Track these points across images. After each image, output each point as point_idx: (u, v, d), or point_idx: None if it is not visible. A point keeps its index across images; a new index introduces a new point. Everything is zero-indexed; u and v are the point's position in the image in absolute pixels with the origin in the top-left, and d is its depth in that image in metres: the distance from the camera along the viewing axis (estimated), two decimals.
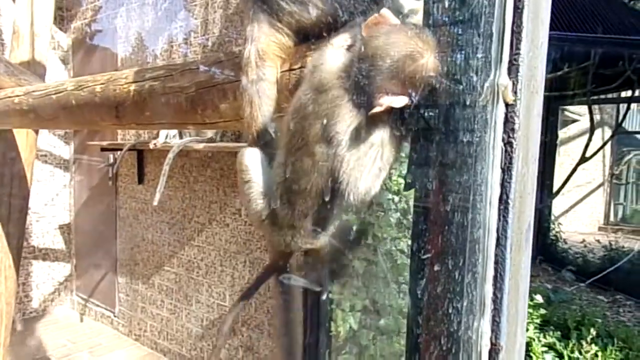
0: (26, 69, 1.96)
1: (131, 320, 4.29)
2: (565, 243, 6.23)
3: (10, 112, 1.46)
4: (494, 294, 0.46)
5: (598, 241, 6.03)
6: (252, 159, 0.83)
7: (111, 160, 4.32)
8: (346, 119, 0.64)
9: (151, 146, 3.44)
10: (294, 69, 0.76)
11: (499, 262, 0.46)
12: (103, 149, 4.08)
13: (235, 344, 3.34)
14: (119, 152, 3.94)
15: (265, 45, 0.76)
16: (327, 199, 0.69)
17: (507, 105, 0.46)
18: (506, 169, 0.46)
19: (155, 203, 3.19)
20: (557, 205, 7.06)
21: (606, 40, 4.21)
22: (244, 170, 0.83)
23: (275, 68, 0.79)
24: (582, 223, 8.26)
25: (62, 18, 4.90)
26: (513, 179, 0.46)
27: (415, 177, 0.51)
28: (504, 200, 0.47)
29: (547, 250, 5.72)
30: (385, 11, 0.63)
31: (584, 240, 6.23)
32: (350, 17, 0.70)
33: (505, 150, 0.46)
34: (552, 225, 6.21)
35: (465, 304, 0.46)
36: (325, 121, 0.65)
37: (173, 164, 3.34)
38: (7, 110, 1.48)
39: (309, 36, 0.76)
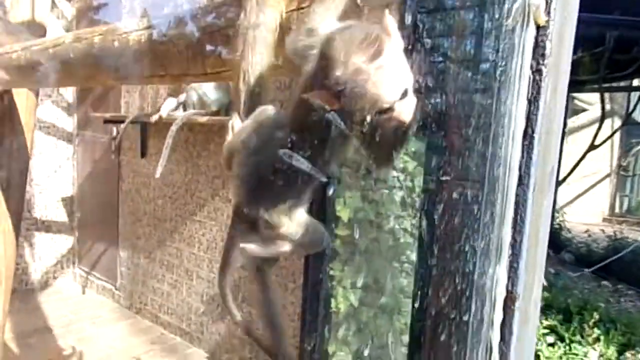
0: (26, 29, 1.91)
1: (132, 293, 4.30)
2: (569, 232, 6.20)
3: (9, 69, 1.42)
4: (513, 237, 0.42)
5: (602, 231, 5.99)
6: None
7: (114, 133, 4.28)
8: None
9: (153, 120, 3.39)
10: (302, 8, 0.71)
11: (520, 204, 0.42)
12: (106, 121, 4.04)
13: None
14: (122, 125, 3.90)
15: None
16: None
17: (538, 27, 0.42)
18: (533, 100, 0.42)
19: (157, 176, 3.16)
20: (563, 194, 7.00)
21: (622, 23, 4.08)
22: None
23: (278, 10, 0.74)
24: (586, 213, 8.20)
25: None
26: (540, 112, 0.42)
27: (435, 96, 0.46)
28: (528, 135, 0.42)
29: (550, 238, 5.69)
30: (390, 22, 0.54)
31: (587, 230, 6.20)
32: None
33: (534, 79, 0.42)
34: (556, 214, 6.16)
35: (482, 245, 0.42)
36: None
37: (176, 138, 3.30)
38: (5, 67, 1.44)
39: None
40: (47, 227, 4.95)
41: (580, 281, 4.37)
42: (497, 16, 0.42)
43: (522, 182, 0.43)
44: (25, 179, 2.12)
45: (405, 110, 0.53)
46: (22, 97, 1.94)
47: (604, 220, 8.90)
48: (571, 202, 8.32)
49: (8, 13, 2.02)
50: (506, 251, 0.43)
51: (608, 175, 9.35)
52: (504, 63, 0.42)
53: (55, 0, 4.44)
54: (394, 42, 0.54)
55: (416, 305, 0.48)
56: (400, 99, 0.52)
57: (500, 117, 0.42)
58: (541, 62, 0.42)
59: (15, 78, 1.50)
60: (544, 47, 0.42)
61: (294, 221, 0.78)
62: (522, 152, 0.43)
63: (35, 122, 2.19)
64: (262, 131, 0.74)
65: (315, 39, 0.64)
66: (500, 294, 0.43)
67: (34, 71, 1.29)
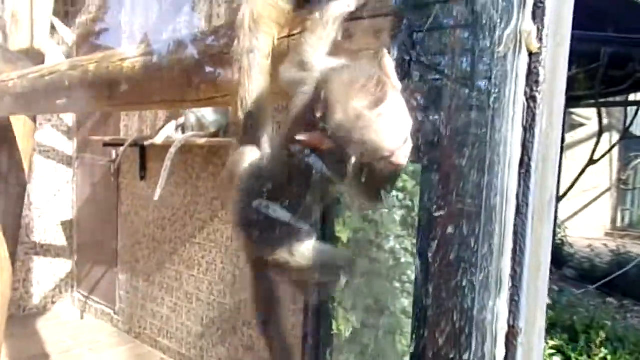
0: (24, 56, 1.93)
1: (131, 317, 4.24)
2: (572, 247, 6.14)
3: (6, 97, 1.42)
4: (513, 269, 0.41)
5: (605, 245, 5.95)
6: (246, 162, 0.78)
7: (113, 156, 4.28)
8: None
9: (146, 144, 3.39)
10: (294, 35, 0.71)
11: (519, 234, 0.41)
12: (105, 144, 4.05)
13: (236, 343, 3.29)
14: (121, 148, 3.90)
15: (261, 7, 0.70)
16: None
17: (530, 54, 0.41)
18: (529, 127, 0.41)
19: (156, 198, 3.14)
20: (563, 209, 6.97)
21: (617, 40, 4.13)
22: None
23: (271, 36, 0.74)
24: (588, 228, 8.15)
25: (66, 13, 4.88)
26: (536, 139, 0.41)
27: (427, 128, 0.45)
28: (525, 163, 0.41)
29: (552, 254, 5.64)
30: (388, 63, 0.54)
31: (590, 245, 6.15)
32: None
33: (528, 106, 0.41)
34: (557, 229, 6.12)
35: (480, 278, 0.40)
36: None
37: (175, 160, 3.29)
38: (2, 95, 1.44)
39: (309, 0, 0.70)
40: (45, 251, 4.92)
41: (584, 298, 4.30)
42: (488, 44, 0.41)
43: (520, 211, 0.41)
44: (22, 205, 2.10)
45: (403, 155, 0.51)
46: (19, 122, 1.95)
47: (606, 234, 8.85)
48: (572, 216, 8.28)
49: (8, 40, 2.04)
50: (506, 284, 0.41)
51: (608, 190, 9.32)
52: (497, 90, 0.41)
53: (55, 27, 4.49)
54: (394, 86, 0.52)
55: (413, 344, 0.46)
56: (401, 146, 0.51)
57: (496, 145, 0.41)
58: (535, 88, 0.41)
59: (12, 106, 1.50)
60: (537, 74, 0.41)
61: (298, 255, 0.75)
62: (519, 181, 0.42)
63: (35, 147, 2.19)
64: (244, 180, 0.74)
65: (308, 74, 0.63)
66: (502, 329, 0.41)
67: (31, 99, 1.29)
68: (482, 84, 0.41)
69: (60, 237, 4.95)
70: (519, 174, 0.42)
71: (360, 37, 0.57)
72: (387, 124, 0.50)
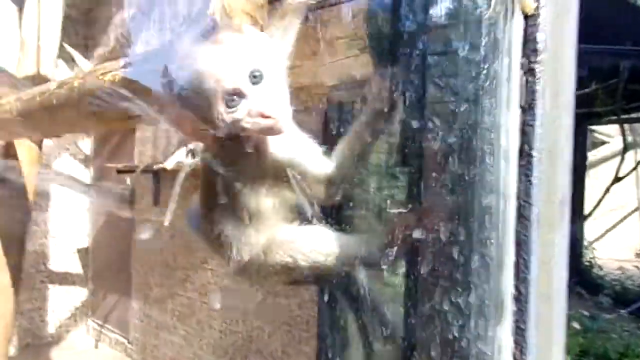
0: (30, 82, 1.93)
1: (145, 347, 4.16)
2: (601, 269, 5.86)
3: (3, 121, 1.40)
4: (516, 288, 0.32)
5: (637, 267, 5.65)
6: None
7: (128, 183, 4.30)
8: None
9: (155, 168, 3.38)
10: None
11: (522, 243, 0.32)
12: (119, 171, 4.07)
13: None
14: (134, 174, 3.91)
15: None
16: None
17: (526, 17, 0.33)
18: (527, 108, 0.33)
19: (166, 223, 3.10)
20: (590, 230, 6.69)
21: (636, 53, 4.00)
22: None
23: None
24: (617, 248, 7.80)
25: (86, 46, 5.03)
26: (537, 122, 0.32)
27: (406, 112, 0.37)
28: (525, 153, 0.32)
29: (581, 276, 5.37)
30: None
31: (620, 267, 5.87)
32: None
33: (526, 82, 0.33)
34: (585, 251, 5.86)
35: (472, 300, 0.31)
36: None
37: (186, 185, 3.26)
38: (2, 119, 1.42)
39: None
40: (62, 279, 4.92)
41: (617, 323, 4.05)
42: (473, 8, 0.33)
43: (522, 214, 0.32)
44: (26, 232, 2.08)
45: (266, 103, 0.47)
46: (24, 149, 1.94)
47: (637, 255, 8.46)
48: (600, 237, 7.96)
49: (16, 65, 2.06)
50: (509, 308, 0.32)
51: (637, 209, 8.97)
52: (485, 64, 0.33)
53: (75, 59, 4.61)
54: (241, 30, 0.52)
55: None
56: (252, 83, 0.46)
57: (486, 131, 0.33)
58: (533, 59, 0.33)
59: (8, 129, 1.49)
60: (535, 41, 0.33)
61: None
62: (519, 175, 0.33)
63: (37, 172, 2.17)
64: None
65: None
66: None
67: (26, 121, 1.27)
68: (468, 56, 0.34)
69: (76, 265, 4.96)
70: (519, 166, 0.33)
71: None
72: (224, 54, 0.47)
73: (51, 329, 4.76)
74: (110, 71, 0.91)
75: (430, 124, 0.33)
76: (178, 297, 3.78)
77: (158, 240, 4.03)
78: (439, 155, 0.32)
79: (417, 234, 0.33)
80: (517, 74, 0.34)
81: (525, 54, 0.33)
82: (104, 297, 4.78)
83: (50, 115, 1.15)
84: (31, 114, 1.21)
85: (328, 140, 0.63)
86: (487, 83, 0.33)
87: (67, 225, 4.88)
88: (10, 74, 1.95)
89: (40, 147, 2.06)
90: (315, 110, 0.76)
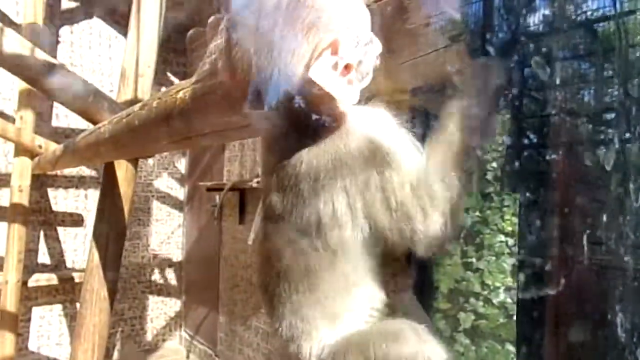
0: (128, 107, 2.07)
1: None
2: None
3: (100, 142, 1.50)
4: None
5: None
6: None
7: (217, 201, 4.47)
8: None
9: (243, 186, 3.44)
10: None
11: None
12: (208, 189, 4.25)
13: None
14: (222, 192, 4.05)
15: None
16: None
17: None
18: None
19: (249, 242, 3.15)
20: None
21: None
22: None
23: None
24: None
25: (185, 73, 5.41)
26: None
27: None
28: None
29: None
30: None
31: None
32: None
33: None
34: None
35: None
36: None
37: None
38: (97, 141, 1.52)
39: None
40: (159, 290, 5.24)
41: None
42: None
43: None
44: (121, 249, 2.20)
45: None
46: (122, 168, 2.07)
47: None
48: None
49: (117, 95, 2.23)
50: None
51: None
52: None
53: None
54: None
55: None
56: None
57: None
58: None
59: (102, 149, 1.58)
60: None
61: None
62: None
63: (133, 191, 2.31)
64: None
65: None
66: None
67: (114, 141, 1.33)
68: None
69: (172, 278, 5.26)
70: None
71: None
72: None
73: (149, 337, 5.06)
74: (183, 89, 0.91)
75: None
76: (261, 314, 3.80)
77: (243, 257, 4.12)
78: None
79: None
80: None
81: None
82: (195, 310, 4.99)
83: (134, 136, 1.19)
84: (119, 135, 1.27)
85: None
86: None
87: (165, 240, 5.21)
88: (111, 100, 2.10)
89: (135, 166, 2.20)
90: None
